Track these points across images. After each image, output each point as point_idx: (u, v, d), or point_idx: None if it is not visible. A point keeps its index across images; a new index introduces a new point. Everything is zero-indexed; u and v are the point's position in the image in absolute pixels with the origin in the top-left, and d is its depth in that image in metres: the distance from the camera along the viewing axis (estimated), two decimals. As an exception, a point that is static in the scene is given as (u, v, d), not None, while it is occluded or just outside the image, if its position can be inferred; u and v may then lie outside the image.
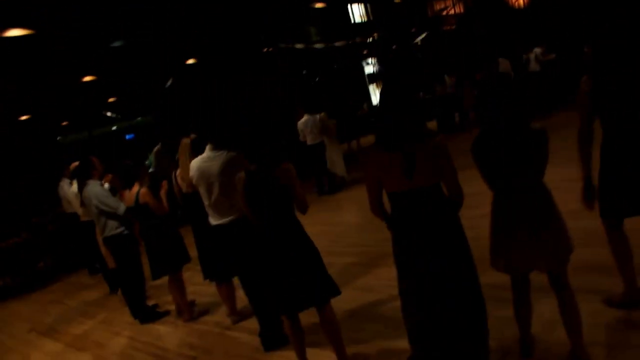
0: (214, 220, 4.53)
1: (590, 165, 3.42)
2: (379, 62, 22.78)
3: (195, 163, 4.55)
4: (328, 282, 3.64)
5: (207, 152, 4.48)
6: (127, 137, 20.65)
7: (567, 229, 3.00)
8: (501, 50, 14.79)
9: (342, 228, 7.73)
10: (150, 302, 6.40)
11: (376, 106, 3.38)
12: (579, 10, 15.78)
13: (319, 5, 17.56)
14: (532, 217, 2.93)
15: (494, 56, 14.47)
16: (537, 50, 13.98)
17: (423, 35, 20.11)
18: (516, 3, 18.76)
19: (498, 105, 2.90)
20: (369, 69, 23.83)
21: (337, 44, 17.03)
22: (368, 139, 15.60)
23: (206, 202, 4.53)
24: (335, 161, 10.99)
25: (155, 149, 11.05)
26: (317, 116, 10.61)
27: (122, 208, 5.72)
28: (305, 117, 10.68)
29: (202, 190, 4.52)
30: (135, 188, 5.55)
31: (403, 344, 3.34)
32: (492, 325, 3.13)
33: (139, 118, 20.37)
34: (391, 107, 2.91)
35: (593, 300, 3.68)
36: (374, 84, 23.88)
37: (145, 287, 6.18)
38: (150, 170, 10.47)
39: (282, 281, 3.56)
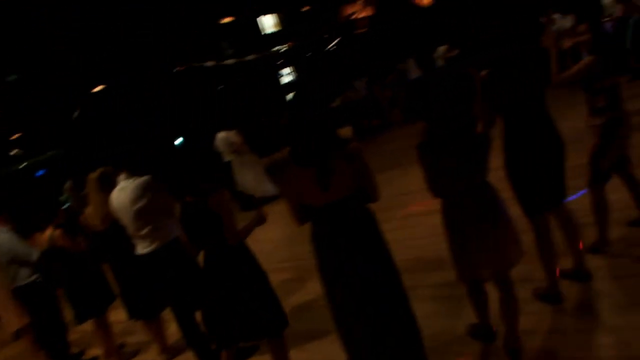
0: (139, 250, 4.34)
1: None
2: (295, 71, 22.84)
3: (112, 195, 4.38)
4: (278, 314, 3.55)
5: (121, 183, 4.32)
6: (38, 173, 19.71)
7: (516, 232, 3.08)
8: (409, 50, 15.16)
9: (271, 244, 7.63)
10: (75, 350, 6.06)
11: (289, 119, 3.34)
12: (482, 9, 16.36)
13: (227, 19, 17.44)
14: (481, 218, 2.97)
15: (403, 56, 14.82)
16: (441, 48, 14.45)
17: (336, 41, 20.30)
18: (421, 2, 19.23)
19: (444, 108, 2.92)
20: (286, 78, 23.84)
21: (248, 57, 16.92)
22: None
23: (130, 233, 4.36)
24: (249, 180, 10.67)
25: (67, 185, 10.59)
26: (225, 133, 10.48)
27: (34, 254, 5.39)
28: (220, 134, 10.56)
29: (124, 222, 4.35)
30: (49, 230, 5.24)
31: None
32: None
33: (50, 152, 19.52)
34: (302, 122, 2.87)
35: (521, 288, 3.77)
36: (292, 93, 23.89)
37: (66, 335, 5.83)
38: (67, 205, 10.06)
39: (225, 312, 3.44)
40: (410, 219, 5.59)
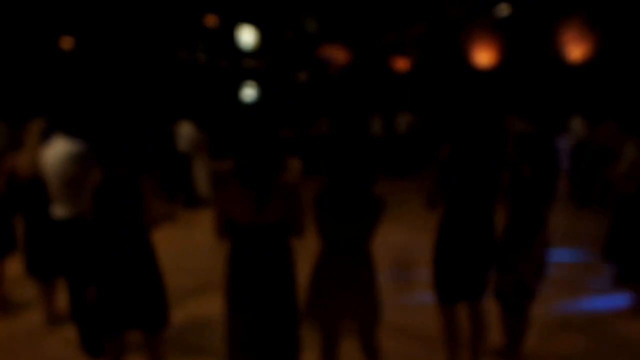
0: (56, 212, 4.17)
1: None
2: (260, 89, 22.83)
3: (44, 151, 4.18)
4: (162, 311, 3.46)
5: (56, 142, 4.12)
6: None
7: (380, 297, 3.14)
8: (375, 108, 15.47)
9: (185, 247, 7.49)
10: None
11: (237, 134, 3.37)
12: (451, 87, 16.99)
13: (209, 21, 17.37)
14: (350, 279, 3.02)
15: (367, 112, 15.11)
16: (407, 115, 14.81)
17: (307, 74, 20.49)
18: (400, 65, 19.73)
19: (344, 163, 2.97)
20: (248, 93, 23.77)
21: (221, 63, 16.85)
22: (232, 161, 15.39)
23: (51, 193, 4.17)
24: (199, 178, 10.70)
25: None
26: (189, 126, 10.48)
27: None
28: (184, 124, 10.55)
29: (49, 183, 4.16)
30: None
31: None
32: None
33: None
34: (249, 144, 2.92)
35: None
36: (249, 108, 23.80)
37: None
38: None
39: (115, 292, 3.34)
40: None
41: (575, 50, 15.46)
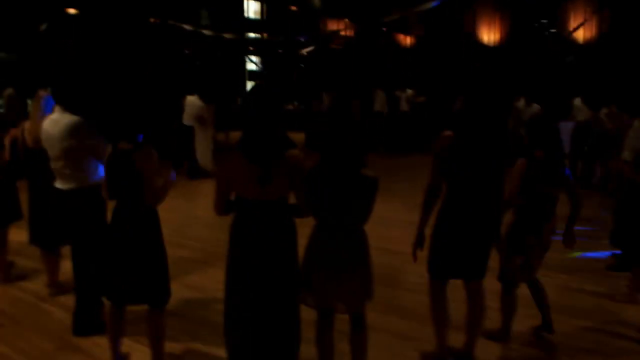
0: (57, 184, 4.11)
1: (428, 219, 3.53)
2: (262, 63, 22.66)
3: (44, 123, 4.10)
4: (164, 287, 3.45)
5: (55, 114, 4.05)
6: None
7: (372, 277, 3.10)
8: (378, 83, 15.31)
9: (187, 219, 7.48)
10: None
11: (243, 108, 3.32)
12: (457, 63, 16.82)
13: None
14: (343, 259, 2.98)
15: (370, 87, 14.95)
16: (409, 91, 14.67)
17: (310, 48, 20.29)
18: (404, 41, 19.54)
19: (334, 142, 2.92)
20: (251, 66, 23.61)
21: (226, 35, 16.64)
22: (236, 134, 15.34)
23: (51, 165, 4.11)
24: (201, 150, 10.69)
25: (8, 91, 10.05)
26: (194, 99, 10.48)
27: None
28: (191, 99, 10.57)
29: (49, 154, 4.09)
30: None
31: (222, 352, 3.24)
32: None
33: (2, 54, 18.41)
34: (256, 119, 2.85)
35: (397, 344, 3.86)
36: (253, 80, 23.67)
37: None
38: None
39: (118, 268, 3.33)
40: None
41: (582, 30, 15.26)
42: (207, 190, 9.38)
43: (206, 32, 15.73)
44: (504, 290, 3.93)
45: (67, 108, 3.99)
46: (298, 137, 13.44)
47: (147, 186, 3.28)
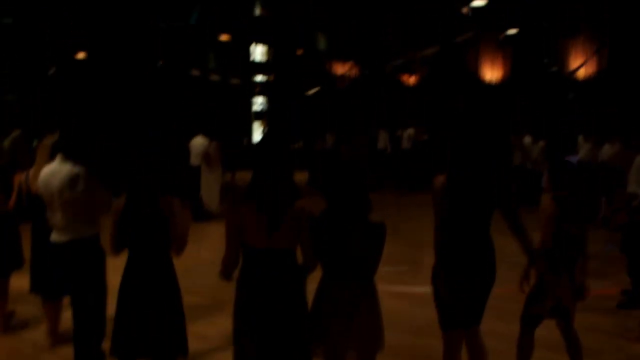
0: (53, 236, 4.00)
1: None
2: (269, 104, 22.90)
3: (43, 172, 4.01)
4: (182, 338, 3.37)
5: (55, 163, 3.94)
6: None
7: (382, 325, 3.01)
8: (381, 122, 15.39)
9: (193, 262, 7.32)
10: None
11: (253, 153, 3.28)
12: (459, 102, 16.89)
13: (223, 38, 17.43)
14: (353, 308, 2.90)
15: (373, 126, 15.02)
16: (411, 130, 14.74)
17: (316, 89, 20.48)
18: (407, 80, 19.68)
19: (340, 190, 2.87)
20: (257, 106, 23.84)
21: (233, 81, 16.88)
22: (244, 174, 15.37)
23: (48, 215, 4.01)
24: (208, 191, 10.61)
25: (14, 134, 10.05)
26: (200, 138, 10.47)
27: None
28: (197, 139, 10.54)
29: (45, 202, 3.99)
30: None
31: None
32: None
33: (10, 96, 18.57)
34: (266, 169, 2.83)
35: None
36: (259, 121, 23.87)
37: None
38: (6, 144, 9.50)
39: (138, 320, 3.25)
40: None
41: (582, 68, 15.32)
42: (212, 233, 9.29)
43: (214, 77, 15.89)
44: (523, 331, 3.79)
45: (72, 156, 3.88)
46: (301, 175, 13.40)
47: (175, 232, 3.24)
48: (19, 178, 5.04)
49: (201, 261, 7.52)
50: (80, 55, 15.05)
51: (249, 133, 22.11)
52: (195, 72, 15.60)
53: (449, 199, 3.26)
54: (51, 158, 4.32)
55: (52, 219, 3.96)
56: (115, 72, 14.52)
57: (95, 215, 3.92)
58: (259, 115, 23.47)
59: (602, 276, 6.18)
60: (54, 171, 3.90)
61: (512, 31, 16.71)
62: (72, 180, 3.80)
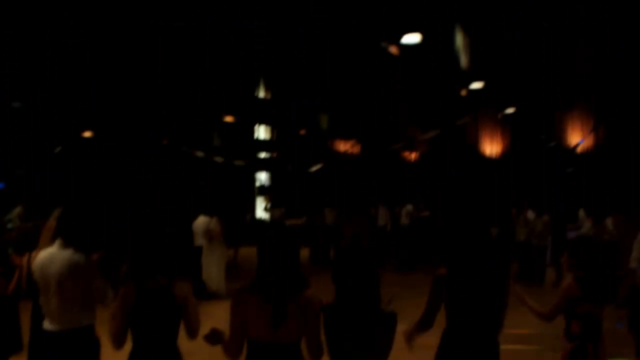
0: (46, 324, 3.78)
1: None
2: (272, 181, 23.15)
3: (40, 256, 3.83)
4: None
5: (54, 248, 3.78)
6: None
7: None
8: (381, 199, 15.48)
9: (194, 344, 7.15)
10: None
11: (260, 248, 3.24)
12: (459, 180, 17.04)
13: (227, 119, 17.84)
14: None
15: (374, 203, 15.10)
16: (409, 206, 14.80)
17: (318, 166, 20.73)
18: (408, 157, 19.95)
19: (351, 281, 2.85)
20: (260, 180, 24.07)
21: (236, 162, 17.16)
22: (247, 250, 15.33)
23: (41, 302, 3.81)
24: (210, 269, 10.47)
25: (18, 210, 10.08)
26: (204, 218, 10.48)
27: None
28: (200, 218, 10.55)
29: (40, 287, 3.79)
30: None
31: None
32: None
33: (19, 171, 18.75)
34: (274, 259, 2.77)
35: None
36: (262, 196, 24.03)
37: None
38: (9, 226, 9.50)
39: None
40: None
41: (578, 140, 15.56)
42: (214, 313, 9.09)
43: (218, 159, 16.14)
44: None
45: (72, 243, 3.75)
46: (302, 252, 13.26)
47: (188, 320, 3.18)
48: (21, 261, 4.99)
49: (201, 345, 7.33)
50: (87, 134, 15.35)
51: (252, 208, 22.22)
52: (200, 154, 15.85)
53: (450, 295, 3.18)
54: (52, 240, 4.32)
55: (46, 307, 3.78)
56: (120, 151, 14.75)
57: (93, 305, 3.78)
58: (262, 191, 23.62)
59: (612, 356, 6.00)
60: (52, 257, 3.74)
61: (509, 110, 17.12)
62: (72, 268, 3.67)
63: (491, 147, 17.89)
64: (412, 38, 13.10)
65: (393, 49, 14.19)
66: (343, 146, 20.82)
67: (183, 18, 12.89)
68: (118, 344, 3.19)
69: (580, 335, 3.63)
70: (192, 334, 3.26)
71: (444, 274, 3.21)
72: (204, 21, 13.47)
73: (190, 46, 14.92)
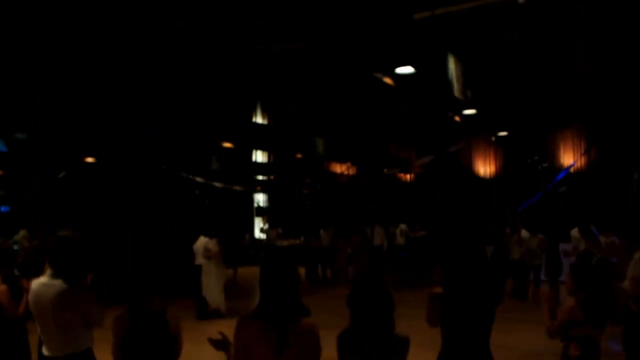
0: (44, 350, 3.80)
1: None
2: (269, 202, 23.28)
3: (34, 285, 3.81)
4: None
5: (46, 277, 3.76)
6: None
7: None
8: (377, 219, 15.60)
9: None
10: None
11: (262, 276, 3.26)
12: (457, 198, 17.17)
13: (226, 145, 18.00)
14: None
15: (370, 222, 15.22)
16: (403, 226, 14.92)
17: (314, 188, 20.85)
18: (403, 178, 20.11)
19: (369, 307, 2.90)
20: (258, 201, 24.13)
21: (235, 187, 17.25)
22: (246, 270, 15.40)
23: (39, 329, 3.82)
24: (210, 288, 10.55)
25: (22, 234, 10.14)
26: (204, 239, 10.60)
27: None
28: (201, 239, 10.68)
29: (35, 316, 3.80)
30: None
31: None
32: None
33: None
34: (275, 287, 2.80)
35: None
36: (260, 217, 24.08)
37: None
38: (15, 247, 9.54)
39: None
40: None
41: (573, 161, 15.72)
42: (214, 332, 9.07)
43: (217, 184, 16.26)
44: None
45: (61, 274, 3.72)
46: (300, 270, 13.31)
47: (179, 346, 3.19)
48: (28, 284, 5.05)
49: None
50: (89, 159, 15.43)
51: (251, 229, 22.28)
52: (199, 179, 15.96)
53: (446, 313, 3.30)
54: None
55: (43, 334, 3.80)
56: (121, 175, 14.82)
57: (88, 329, 3.80)
58: (260, 211, 23.73)
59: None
60: (45, 287, 3.73)
61: (502, 133, 17.36)
62: (63, 298, 3.65)
63: (485, 168, 18.09)
64: (405, 69, 13.45)
65: (387, 80, 14.41)
66: (339, 168, 21.00)
67: (182, 18, 12.96)
68: None
69: (578, 358, 3.66)
70: (178, 356, 3.26)
71: (439, 292, 3.34)
72: (204, 21, 13.55)
73: (189, 48, 15.00)
